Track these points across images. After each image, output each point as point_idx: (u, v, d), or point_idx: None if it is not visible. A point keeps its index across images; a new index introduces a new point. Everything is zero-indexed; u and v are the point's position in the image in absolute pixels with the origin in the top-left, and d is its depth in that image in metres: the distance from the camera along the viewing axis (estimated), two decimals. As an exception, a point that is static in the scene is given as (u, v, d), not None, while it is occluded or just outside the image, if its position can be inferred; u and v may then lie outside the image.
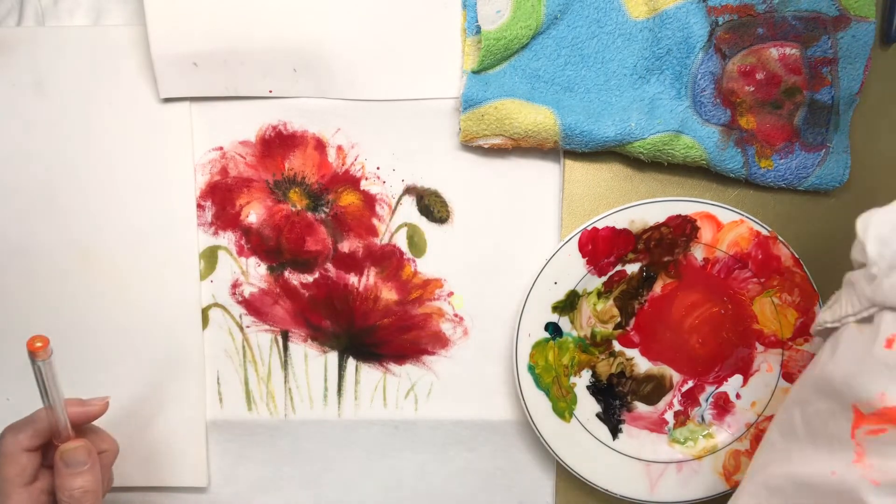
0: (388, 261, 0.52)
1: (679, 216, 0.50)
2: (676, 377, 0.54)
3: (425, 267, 0.52)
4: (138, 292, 0.52)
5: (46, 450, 0.42)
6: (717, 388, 0.54)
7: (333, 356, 0.53)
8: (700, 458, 0.53)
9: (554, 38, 0.50)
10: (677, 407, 0.54)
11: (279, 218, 0.52)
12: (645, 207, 0.50)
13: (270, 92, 0.50)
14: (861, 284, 0.35)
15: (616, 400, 0.53)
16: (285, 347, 0.53)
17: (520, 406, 0.51)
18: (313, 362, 0.53)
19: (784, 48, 0.50)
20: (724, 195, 0.53)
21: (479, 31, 0.48)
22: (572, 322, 0.52)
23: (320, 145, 0.51)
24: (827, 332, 0.38)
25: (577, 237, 0.50)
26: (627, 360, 0.53)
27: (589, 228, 0.49)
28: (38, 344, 0.37)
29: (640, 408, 0.54)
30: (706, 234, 0.51)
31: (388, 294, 0.52)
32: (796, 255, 0.51)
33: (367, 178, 0.52)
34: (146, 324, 0.52)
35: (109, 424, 0.53)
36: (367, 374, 0.53)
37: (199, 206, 0.52)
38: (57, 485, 0.40)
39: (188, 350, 0.52)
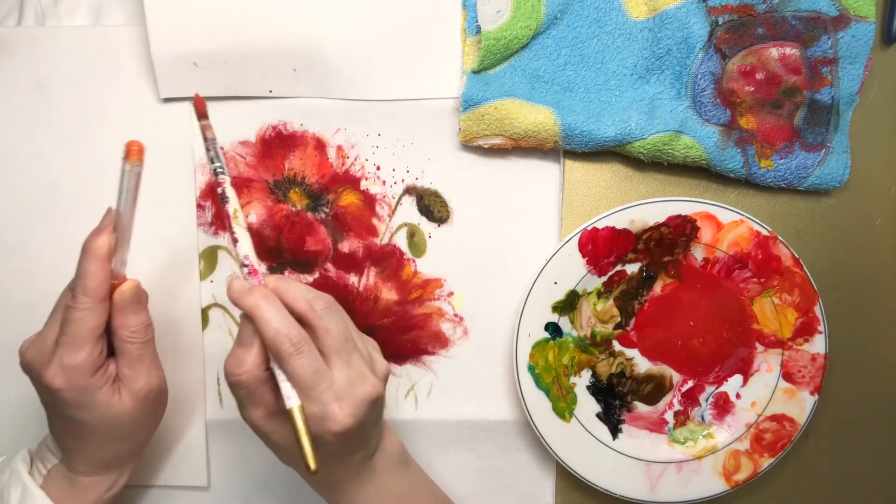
0: (388, 261, 0.52)
1: (679, 216, 0.50)
2: (676, 377, 0.54)
3: (425, 267, 0.52)
4: (138, 292, 0.52)
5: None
6: (717, 388, 0.54)
7: (333, 356, 0.53)
8: (700, 458, 0.53)
9: (554, 38, 0.50)
10: (677, 407, 0.54)
11: (279, 218, 0.52)
12: (645, 207, 0.50)
13: (270, 92, 0.50)
14: None
15: (616, 400, 0.53)
16: (285, 347, 0.53)
17: (520, 406, 0.51)
18: (313, 362, 0.53)
19: (784, 48, 0.50)
20: (724, 195, 0.53)
21: (479, 31, 0.48)
22: (572, 322, 0.52)
23: (320, 145, 0.51)
24: None
25: (577, 237, 0.50)
26: (627, 360, 0.53)
27: (589, 228, 0.49)
28: (135, 147, 0.39)
29: (640, 408, 0.54)
30: (706, 234, 0.51)
31: (388, 294, 0.52)
32: (796, 255, 0.51)
33: (367, 178, 0.52)
34: (146, 324, 0.52)
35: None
36: (367, 374, 0.53)
37: (199, 206, 0.52)
38: (117, 324, 0.41)
39: (188, 350, 0.52)
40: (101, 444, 0.43)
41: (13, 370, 0.52)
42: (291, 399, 0.37)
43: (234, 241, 0.40)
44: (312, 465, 0.36)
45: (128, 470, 0.46)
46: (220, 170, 0.41)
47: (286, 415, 0.38)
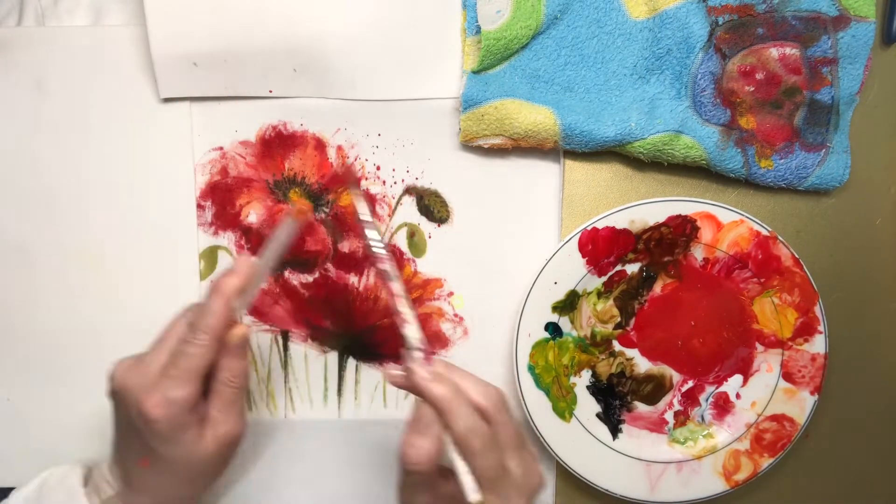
0: (388, 261, 0.52)
1: (679, 216, 0.50)
2: (676, 377, 0.54)
3: (425, 267, 0.52)
4: (138, 292, 0.52)
5: None
6: (717, 388, 0.54)
7: (333, 356, 0.53)
8: (700, 458, 0.53)
9: (554, 38, 0.50)
10: (677, 407, 0.54)
11: (279, 218, 0.52)
12: (645, 207, 0.50)
13: (270, 92, 0.50)
14: None
15: (616, 400, 0.53)
16: (285, 347, 0.53)
17: (520, 406, 0.51)
18: (313, 362, 0.53)
19: (784, 48, 0.50)
20: (724, 195, 0.53)
21: (479, 31, 0.48)
22: (572, 322, 0.52)
23: (320, 145, 0.51)
24: None
25: (577, 237, 0.50)
26: (627, 360, 0.53)
27: (589, 228, 0.49)
28: (305, 208, 0.40)
29: (640, 408, 0.54)
30: (706, 234, 0.51)
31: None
32: (796, 255, 0.51)
33: (367, 178, 0.52)
34: (146, 324, 0.52)
35: (109, 422, 0.53)
36: (367, 374, 0.53)
37: (199, 206, 0.52)
38: (220, 366, 0.41)
39: (188, 350, 0.52)
40: (173, 483, 0.42)
41: (13, 370, 0.52)
42: (476, 494, 0.37)
43: (403, 322, 0.39)
44: None
45: None
46: (378, 245, 0.40)
47: (453, 502, 0.38)
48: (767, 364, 0.53)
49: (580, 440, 0.52)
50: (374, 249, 0.39)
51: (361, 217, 0.40)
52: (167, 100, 0.51)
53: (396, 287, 0.39)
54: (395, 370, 0.40)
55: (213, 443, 0.41)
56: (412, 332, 0.39)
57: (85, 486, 0.44)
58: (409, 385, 0.39)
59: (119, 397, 0.41)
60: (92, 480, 0.45)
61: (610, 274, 0.52)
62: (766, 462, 0.53)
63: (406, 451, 0.38)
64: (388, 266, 0.39)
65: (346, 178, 0.41)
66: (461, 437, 0.37)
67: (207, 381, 0.41)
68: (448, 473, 0.39)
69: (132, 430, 0.41)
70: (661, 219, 0.50)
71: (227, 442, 0.42)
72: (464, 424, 0.37)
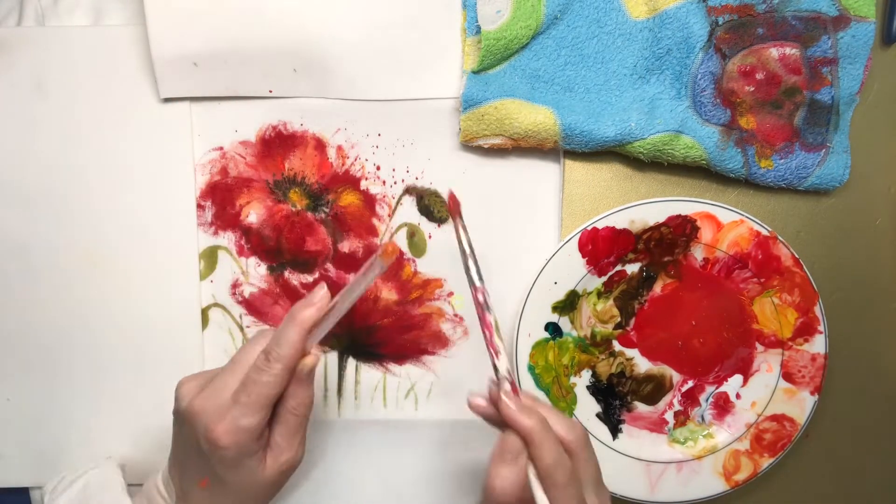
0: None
1: (679, 216, 0.50)
2: (676, 377, 0.54)
3: (425, 267, 0.52)
4: (138, 292, 0.52)
5: None
6: (717, 388, 0.54)
7: (333, 356, 0.53)
8: (700, 458, 0.53)
9: (554, 38, 0.50)
10: (677, 407, 0.54)
11: (279, 218, 0.52)
12: (645, 207, 0.50)
13: (270, 92, 0.50)
14: None
15: (616, 400, 0.53)
16: (285, 347, 0.53)
17: (520, 406, 0.51)
18: (313, 362, 0.53)
19: (784, 48, 0.50)
20: (724, 195, 0.53)
21: (479, 31, 0.48)
22: (572, 322, 0.52)
23: (320, 145, 0.51)
24: None
25: (577, 237, 0.50)
26: (627, 360, 0.53)
27: (589, 228, 0.49)
28: (391, 249, 0.39)
29: (640, 408, 0.54)
30: (706, 234, 0.51)
31: (388, 294, 0.52)
32: (796, 255, 0.51)
33: (367, 178, 0.52)
34: (146, 324, 0.52)
35: (109, 423, 0.53)
36: (367, 374, 0.53)
37: (199, 206, 0.52)
38: (287, 394, 0.41)
39: (188, 350, 0.52)
40: (229, 503, 0.42)
41: (13, 370, 0.52)
42: None
43: (496, 353, 0.40)
44: None
45: None
46: (478, 277, 0.40)
47: None
48: (767, 364, 0.53)
49: (580, 440, 0.52)
50: (474, 281, 0.40)
51: (464, 247, 0.41)
52: (167, 100, 0.51)
53: (491, 319, 0.40)
54: (478, 399, 0.40)
55: (274, 469, 0.41)
56: (503, 364, 0.39)
57: (131, 495, 0.45)
58: (493, 415, 0.39)
59: (186, 419, 0.41)
60: (147, 493, 0.45)
61: (610, 274, 0.52)
62: (766, 462, 0.53)
63: (493, 482, 0.38)
64: (485, 298, 0.40)
65: (451, 208, 0.41)
66: (547, 469, 0.37)
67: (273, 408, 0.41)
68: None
69: (195, 450, 0.41)
70: (661, 219, 0.50)
71: (286, 469, 0.42)
72: (550, 457, 0.37)
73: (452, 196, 0.42)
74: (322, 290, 0.41)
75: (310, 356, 0.41)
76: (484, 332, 0.40)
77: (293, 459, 0.42)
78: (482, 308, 0.40)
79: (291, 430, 0.42)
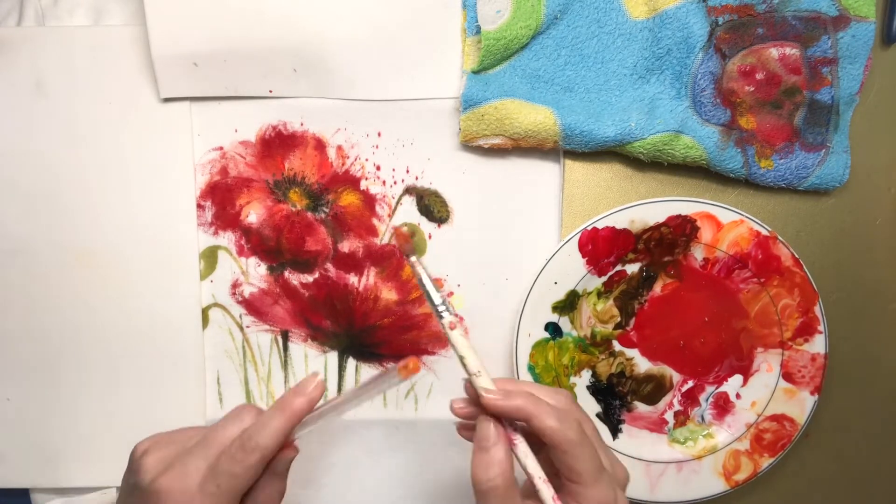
0: (388, 261, 0.52)
1: (679, 216, 0.50)
2: (676, 377, 0.54)
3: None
4: (138, 292, 0.52)
5: None
6: (717, 388, 0.54)
7: (333, 356, 0.53)
8: (700, 458, 0.53)
9: (554, 38, 0.50)
10: (677, 407, 0.54)
11: (279, 218, 0.52)
12: (645, 207, 0.50)
13: (270, 92, 0.50)
14: None
15: (616, 400, 0.53)
16: (285, 347, 0.53)
17: (520, 406, 0.51)
18: (313, 362, 0.53)
19: (784, 48, 0.50)
20: (724, 195, 0.53)
21: (479, 31, 0.48)
22: (572, 322, 0.52)
23: (320, 145, 0.51)
24: None
25: (577, 237, 0.50)
26: (627, 360, 0.53)
27: (589, 228, 0.49)
28: (413, 366, 0.35)
29: (640, 408, 0.54)
30: (706, 234, 0.51)
31: (388, 294, 0.52)
32: (796, 255, 0.51)
33: (367, 178, 0.52)
34: (146, 324, 0.52)
35: (110, 423, 0.53)
36: (367, 374, 0.53)
37: (199, 206, 0.52)
38: (259, 484, 0.37)
39: (188, 350, 0.52)
40: None
41: (13, 370, 0.52)
42: (556, 501, 0.36)
43: (471, 374, 0.38)
44: None
45: None
46: (442, 310, 0.39)
47: None
48: (767, 364, 0.53)
49: (580, 440, 0.52)
50: (442, 314, 0.38)
51: (423, 283, 0.38)
52: (167, 100, 0.51)
53: (457, 333, 0.38)
54: (459, 402, 0.39)
55: None
56: (472, 364, 0.38)
57: None
58: (477, 411, 0.38)
59: (148, 498, 0.37)
60: None
61: (610, 274, 0.52)
62: (766, 462, 0.53)
63: (475, 472, 0.36)
64: (454, 332, 0.38)
65: (401, 246, 0.39)
66: (556, 433, 0.35)
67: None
68: (528, 496, 0.37)
69: None
70: (661, 219, 0.50)
71: None
72: (554, 419, 0.36)
73: (399, 231, 0.39)
74: (316, 379, 0.38)
75: (290, 448, 0.38)
76: (457, 353, 0.38)
77: None
78: (450, 340, 0.38)
79: None
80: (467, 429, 0.40)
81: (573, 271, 0.50)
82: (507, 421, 0.37)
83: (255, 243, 0.52)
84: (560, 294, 0.50)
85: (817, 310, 0.52)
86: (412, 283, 0.52)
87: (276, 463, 0.37)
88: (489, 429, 0.37)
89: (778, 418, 0.53)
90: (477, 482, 0.36)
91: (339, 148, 0.52)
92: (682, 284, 0.53)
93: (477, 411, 0.38)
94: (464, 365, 0.38)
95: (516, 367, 0.50)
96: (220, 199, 0.52)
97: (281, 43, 0.49)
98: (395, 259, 0.52)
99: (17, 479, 0.53)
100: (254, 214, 0.52)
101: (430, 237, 0.52)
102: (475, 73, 0.49)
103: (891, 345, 0.55)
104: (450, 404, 0.39)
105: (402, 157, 0.52)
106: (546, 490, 0.36)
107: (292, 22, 0.49)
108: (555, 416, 0.36)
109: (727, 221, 0.51)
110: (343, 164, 0.52)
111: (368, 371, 0.53)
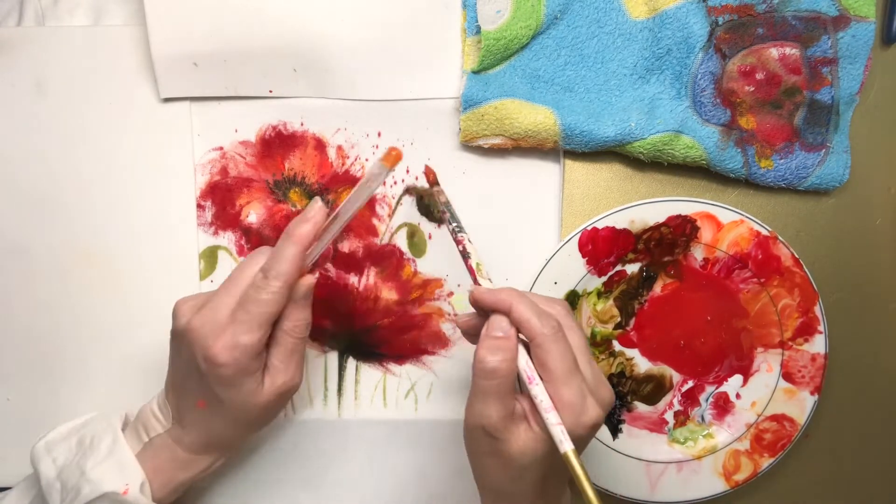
0: (388, 261, 0.52)
1: (679, 216, 0.50)
2: (676, 377, 0.54)
3: (425, 267, 0.52)
4: (138, 292, 0.52)
5: None
6: (717, 388, 0.54)
7: (333, 356, 0.53)
8: (700, 458, 0.53)
9: (554, 38, 0.50)
10: (677, 407, 0.54)
11: (279, 218, 0.52)
12: (645, 207, 0.50)
13: (270, 92, 0.50)
14: None
15: (616, 400, 0.53)
16: (285, 347, 0.53)
17: (520, 406, 0.51)
18: (313, 362, 0.53)
19: (784, 48, 0.50)
20: (724, 195, 0.53)
21: (479, 31, 0.48)
22: (572, 322, 0.52)
23: (320, 145, 0.51)
24: None
25: (577, 237, 0.50)
26: (627, 360, 0.53)
27: (589, 228, 0.49)
28: (395, 153, 0.37)
29: (640, 408, 0.54)
30: (706, 234, 0.51)
31: (388, 294, 0.52)
32: (796, 255, 0.51)
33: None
34: (146, 324, 0.52)
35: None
36: (367, 374, 0.53)
37: (199, 206, 0.52)
38: (285, 314, 0.41)
39: (188, 350, 0.52)
40: (226, 426, 0.43)
41: (13, 370, 0.52)
42: (566, 444, 0.36)
43: (467, 257, 0.43)
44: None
45: (227, 455, 0.46)
46: (458, 229, 0.43)
47: (523, 425, 0.38)
48: (767, 364, 0.53)
49: (580, 440, 0.52)
50: (455, 231, 0.43)
51: (444, 209, 0.44)
52: (167, 100, 0.51)
53: (474, 263, 0.42)
54: (463, 316, 0.42)
55: (271, 391, 0.42)
56: (484, 282, 0.41)
57: (124, 429, 0.45)
58: (480, 322, 0.40)
59: (184, 338, 0.40)
60: (141, 418, 0.45)
61: (610, 274, 0.52)
62: (766, 462, 0.53)
63: (481, 352, 0.38)
64: (468, 246, 0.43)
65: (427, 177, 0.44)
66: (532, 324, 0.37)
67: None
68: (516, 393, 0.39)
69: (193, 370, 0.41)
70: (661, 219, 0.50)
71: (283, 392, 0.42)
72: (532, 313, 0.37)
73: (428, 169, 0.45)
74: (317, 204, 0.40)
75: (307, 276, 0.41)
76: (469, 275, 0.42)
77: (290, 382, 0.42)
78: (463, 255, 0.42)
79: (288, 351, 0.42)
80: (471, 334, 0.42)
81: (573, 271, 0.50)
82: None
83: (256, 243, 0.52)
84: (560, 294, 0.50)
85: (817, 310, 0.52)
86: (412, 282, 0.52)
87: (296, 291, 0.40)
88: (503, 320, 0.38)
89: (778, 418, 0.53)
90: (480, 360, 0.38)
91: (340, 148, 0.52)
92: (683, 284, 0.53)
93: (479, 322, 0.40)
94: (469, 268, 0.42)
95: (516, 367, 0.50)
96: (220, 199, 0.52)
97: (281, 43, 0.49)
98: (395, 259, 0.52)
99: (17, 479, 0.53)
100: (254, 214, 0.52)
101: (430, 237, 0.52)
102: (475, 73, 0.49)
103: (891, 345, 0.55)
104: (457, 321, 0.42)
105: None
106: (557, 433, 0.36)
107: (292, 22, 0.49)
108: (534, 311, 0.37)
109: (727, 221, 0.51)
110: (343, 164, 0.52)
111: (368, 371, 0.53)
